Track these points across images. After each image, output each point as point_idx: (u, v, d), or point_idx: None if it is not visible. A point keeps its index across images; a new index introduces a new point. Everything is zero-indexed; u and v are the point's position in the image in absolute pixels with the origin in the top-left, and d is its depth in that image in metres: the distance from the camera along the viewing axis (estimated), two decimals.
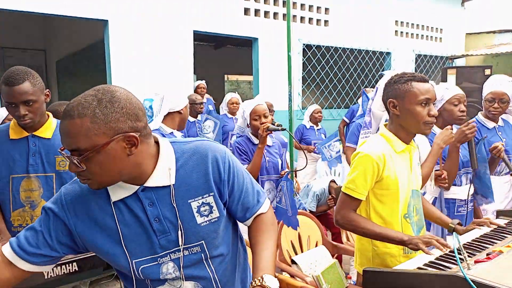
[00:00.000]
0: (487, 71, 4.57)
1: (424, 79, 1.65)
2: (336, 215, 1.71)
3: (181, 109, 2.46)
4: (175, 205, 1.09)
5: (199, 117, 4.76)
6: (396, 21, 7.46)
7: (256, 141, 2.62)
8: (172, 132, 2.42)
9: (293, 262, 2.56)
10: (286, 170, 2.81)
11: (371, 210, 1.71)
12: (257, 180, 2.61)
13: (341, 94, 7.17)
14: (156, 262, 1.10)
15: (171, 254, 1.11)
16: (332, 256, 2.72)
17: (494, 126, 2.67)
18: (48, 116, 1.93)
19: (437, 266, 1.37)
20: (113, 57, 4.77)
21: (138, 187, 1.07)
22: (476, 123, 2.57)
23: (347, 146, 3.40)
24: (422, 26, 7.91)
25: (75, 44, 7.37)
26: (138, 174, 1.05)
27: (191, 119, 4.70)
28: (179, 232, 1.09)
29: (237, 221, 1.26)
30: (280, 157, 2.76)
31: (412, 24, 7.73)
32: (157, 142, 1.11)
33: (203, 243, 1.13)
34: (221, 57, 10.12)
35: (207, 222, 1.12)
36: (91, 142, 0.95)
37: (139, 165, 1.04)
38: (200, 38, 7.43)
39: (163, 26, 5.07)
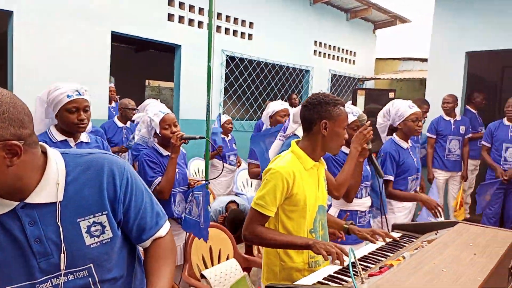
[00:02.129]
0: (391, 94, 5.02)
1: (344, 104, 1.82)
2: (244, 231, 1.71)
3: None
4: (60, 225, 0.97)
5: (128, 123, 4.50)
6: (315, 41, 7.89)
7: (164, 152, 2.50)
8: (65, 141, 2.10)
9: (202, 276, 2.50)
10: (197, 179, 2.75)
11: (279, 225, 1.74)
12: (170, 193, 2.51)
13: (261, 107, 7.34)
14: None
15: (52, 279, 0.99)
16: (244, 269, 2.72)
17: (407, 147, 2.88)
18: None
19: (337, 280, 1.44)
20: (16, 52, 4.31)
21: (17, 203, 0.94)
22: (393, 143, 2.83)
23: (248, 162, 3.43)
24: (338, 48, 8.47)
25: None
26: (18, 189, 0.93)
27: (119, 124, 4.43)
28: (62, 255, 0.97)
29: None
30: (186, 167, 2.70)
31: (329, 45, 8.24)
32: (44, 153, 0.99)
33: (92, 266, 1.03)
34: (142, 61, 9.77)
35: (98, 244, 1.03)
36: None
37: (20, 178, 0.92)
38: (120, 39, 7.10)
39: (78, 23, 4.73)
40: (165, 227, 1.18)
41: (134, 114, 4.40)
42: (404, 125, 2.79)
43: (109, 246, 1.05)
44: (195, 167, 5.62)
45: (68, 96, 2.02)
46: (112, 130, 4.40)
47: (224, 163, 5.29)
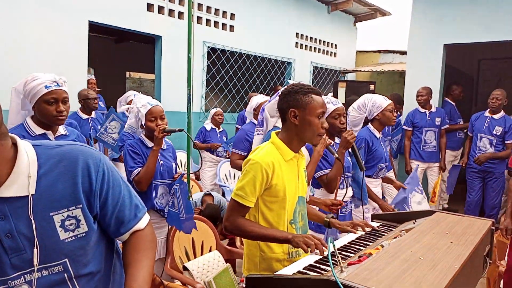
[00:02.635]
0: (372, 86, 5.09)
1: (319, 93, 1.75)
2: (225, 222, 1.71)
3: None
4: (32, 219, 0.94)
5: (93, 114, 4.41)
6: (297, 33, 7.89)
7: (150, 144, 2.50)
8: (44, 134, 2.04)
9: (185, 268, 2.50)
10: (180, 172, 2.74)
11: (259, 216, 1.74)
12: (151, 185, 2.49)
13: (244, 99, 7.32)
14: (6, 286, 0.95)
15: (25, 275, 0.96)
16: (226, 260, 2.72)
17: (379, 137, 3.08)
18: None
19: (317, 269, 1.45)
20: None
21: None
22: (369, 131, 3.02)
23: (232, 152, 3.43)
24: (320, 40, 8.50)
25: None
26: None
27: (83, 116, 4.33)
28: (35, 250, 0.94)
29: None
30: (174, 161, 2.68)
31: (311, 38, 8.26)
32: (15, 144, 0.96)
33: (67, 261, 1.00)
34: (123, 52, 9.59)
35: (73, 238, 1.00)
36: None
37: None
38: (99, 30, 6.94)
39: (52, 11, 4.59)
40: (144, 220, 1.16)
41: (96, 104, 4.30)
42: (382, 115, 2.97)
43: (85, 240, 1.02)
44: (178, 160, 5.59)
45: (46, 87, 1.95)
46: (79, 123, 4.28)
47: (214, 155, 5.32)
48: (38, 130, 2.04)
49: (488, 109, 4.65)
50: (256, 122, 3.47)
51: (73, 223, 1.00)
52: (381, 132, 3.08)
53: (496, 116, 4.58)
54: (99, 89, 5.78)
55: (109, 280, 1.15)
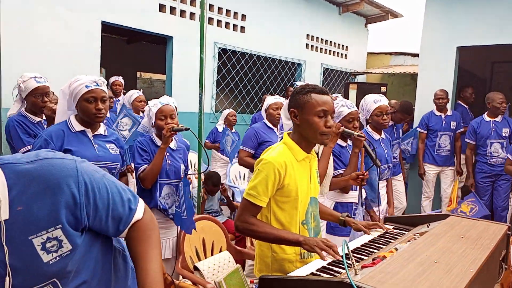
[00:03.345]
0: (383, 89, 5.06)
1: (323, 91, 1.70)
2: (236, 221, 1.71)
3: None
4: (4, 245, 0.87)
5: (108, 114, 4.43)
6: (308, 35, 7.88)
7: (159, 142, 2.53)
8: (83, 131, 2.18)
9: (195, 268, 2.50)
10: (190, 172, 2.76)
11: (271, 217, 1.74)
12: (156, 183, 2.52)
13: (254, 100, 7.32)
14: None
15: None
16: (237, 261, 2.72)
17: (379, 138, 3.03)
18: None
19: (330, 271, 1.44)
20: (2, 42, 4.22)
21: None
22: (366, 134, 2.97)
23: (240, 149, 3.47)
24: (330, 42, 8.47)
25: None
26: None
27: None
28: (7, 278, 0.88)
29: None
30: (184, 162, 2.70)
31: (322, 39, 8.23)
32: None
33: (56, 280, 0.96)
34: (134, 53, 9.65)
35: (57, 258, 0.95)
36: None
37: None
38: (111, 30, 7.00)
39: (65, 11, 4.64)
40: (140, 209, 1.11)
41: (111, 102, 4.34)
42: (371, 119, 2.96)
43: (70, 258, 0.98)
44: (188, 160, 5.61)
45: (86, 86, 2.10)
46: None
47: (224, 155, 5.34)
48: (78, 127, 2.16)
49: (487, 113, 4.62)
50: (268, 122, 3.51)
51: (55, 244, 0.94)
52: (382, 133, 3.05)
53: (498, 119, 4.54)
54: (124, 91, 5.79)
55: (110, 280, 1.12)
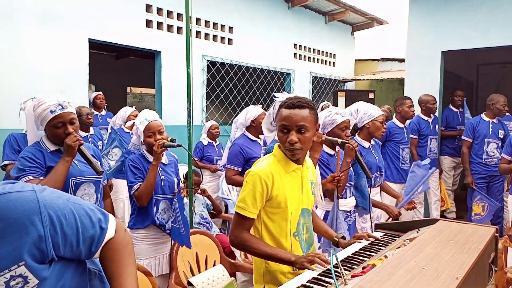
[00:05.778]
0: (371, 95, 5.10)
1: (293, 105, 1.65)
2: (230, 236, 1.71)
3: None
4: None
5: (91, 130, 4.43)
6: (295, 44, 7.95)
7: (151, 158, 2.51)
8: (58, 150, 2.12)
9: (189, 284, 2.48)
10: (182, 186, 2.74)
11: (262, 228, 1.74)
12: (152, 200, 2.50)
13: None
14: None
15: None
16: (231, 274, 2.71)
17: (369, 146, 3.04)
18: None
19: (320, 282, 1.45)
20: None
21: None
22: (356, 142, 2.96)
23: (227, 168, 3.28)
24: (318, 51, 8.55)
25: None
26: None
27: (82, 134, 4.34)
28: None
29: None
30: (176, 176, 2.69)
31: (309, 48, 8.32)
32: None
33: None
34: (124, 68, 9.67)
35: None
36: None
37: None
38: (100, 47, 7.02)
39: (52, 29, 4.65)
40: (111, 227, 1.09)
41: (90, 119, 4.28)
42: (372, 124, 2.95)
43: None
44: (180, 174, 5.59)
45: (51, 111, 2.03)
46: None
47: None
48: (52, 147, 2.12)
49: (484, 113, 4.69)
50: (249, 135, 3.28)
51: (19, 281, 0.91)
52: (371, 141, 3.05)
53: (495, 120, 4.64)
54: (107, 104, 5.81)
55: None
